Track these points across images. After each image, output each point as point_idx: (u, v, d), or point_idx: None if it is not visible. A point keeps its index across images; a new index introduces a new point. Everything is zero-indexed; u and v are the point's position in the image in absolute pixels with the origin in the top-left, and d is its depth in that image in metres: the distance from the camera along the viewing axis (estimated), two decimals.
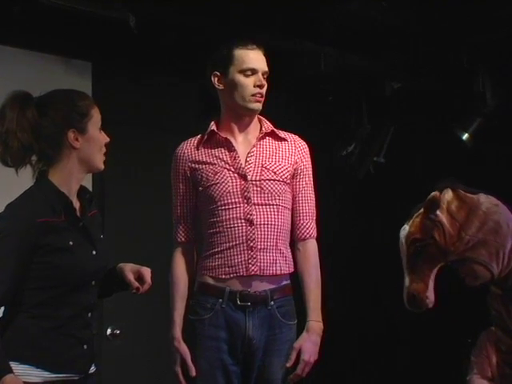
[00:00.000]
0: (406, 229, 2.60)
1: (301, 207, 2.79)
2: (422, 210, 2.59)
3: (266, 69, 2.74)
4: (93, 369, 2.34)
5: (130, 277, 2.41)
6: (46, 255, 2.21)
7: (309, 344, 2.68)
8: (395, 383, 4.99)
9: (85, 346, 2.28)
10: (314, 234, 2.80)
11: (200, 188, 2.72)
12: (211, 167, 2.71)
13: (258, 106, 2.72)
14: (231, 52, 2.71)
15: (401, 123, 4.90)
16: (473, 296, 3.65)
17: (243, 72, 2.70)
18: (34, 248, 2.19)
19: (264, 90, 2.72)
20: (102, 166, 2.36)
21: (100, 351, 4.01)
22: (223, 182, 2.69)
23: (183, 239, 2.78)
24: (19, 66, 3.94)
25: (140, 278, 2.41)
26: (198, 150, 2.76)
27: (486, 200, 2.60)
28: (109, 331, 4.12)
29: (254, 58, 2.71)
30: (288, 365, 2.67)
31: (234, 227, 2.66)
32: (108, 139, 2.38)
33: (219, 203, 2.68)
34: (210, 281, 2.67)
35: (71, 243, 2.24)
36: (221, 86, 2.74)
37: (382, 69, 4.64)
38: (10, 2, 3.59)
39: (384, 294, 4.86)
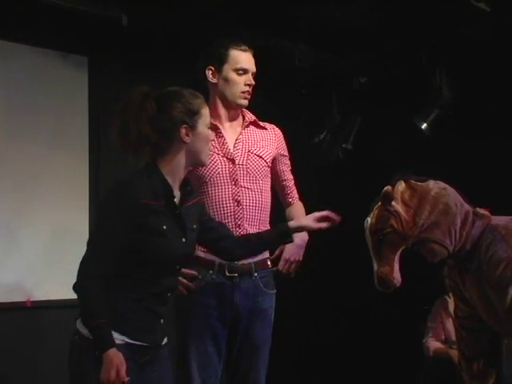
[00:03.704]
0: (368, 221, 2.63)
1: (287, 181, 2.96)
2: (379, 203, 2.62)
3: (255, 70, 2.84)
4: (165, 341, 2.39)
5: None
6: (140, 234, 2.23)
7: (291, 246, 2.78)
8: (362, 344, 5.10)
9: (161, 321, 2.33)
10: (298, 196, 3.01)
11: (190, 168, 2.78)
12: None
13: (246, 102, 2.82)
14: (227, 51, 2.79)
15: (367, 113, 4.94)
16: (428, 271, 3.77)
17: (236, 71, 2.79)
18: (133, 226, 2.22)
19: (251, 89, 2.82)
20: (207, 161, 2.43)
21: None
22: (213, 164, 2.74)
23: None
24: (21, 60, 4.01)
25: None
26: None
27: (434, 185, 2.63)
28: None
29: (247, 60, 2.81)
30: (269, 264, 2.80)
31: (224, 206, 2.74)
32: (213, 137, 2.46)
33: (209, 183, 2.75)
34: (201, 254, 2.71)
35: (165, 227, 2.26)
36: (214, 80, 2.81)
37: (350, 65, 4.71)
38: (13, 1, 3.65)
39: (350, 271, 4.89)
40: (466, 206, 2.65)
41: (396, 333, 4.88)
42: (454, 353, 4.02)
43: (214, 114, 2.79)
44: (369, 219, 2.63)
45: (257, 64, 2.89)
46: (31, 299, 3.94)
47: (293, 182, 2.99)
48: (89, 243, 2.26)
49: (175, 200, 2.32)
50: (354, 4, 3.96)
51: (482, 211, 2.66)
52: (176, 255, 2.31)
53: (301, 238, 2.80)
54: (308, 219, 2.55)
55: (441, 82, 4.49)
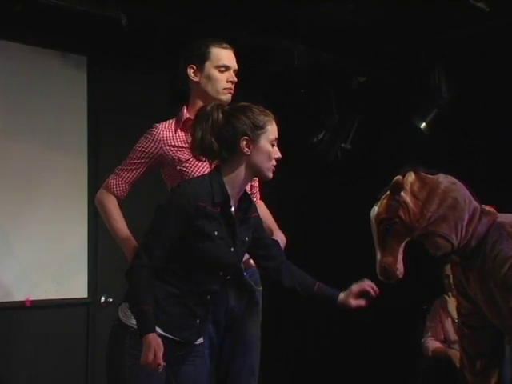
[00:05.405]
0: (375, 210, 2.63)
1: (255, 181, 2.92)
2: (388, 192, 2.62)
3: (236, 67, 2.83)
4: (200, 340, 2.45)
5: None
6: (192, 234, 2.32)
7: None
8: (360, 343, 5.08)
9: (197, 321, 2.40)
10: (259, 196, 3.01)
11: (178, 167, 2.74)
12: (186, 151, 2.73)
13: (229, 97, 2.79)
14: (208, 49, 2.79)
15: (366, 113, 4.97)
16: (428, 270, 3.75)
17: (218, 68, 2.78)
18: (187, 225, 2.30)
19: (233, 86, 2.81)
20: (269, 175, 2.43)
21: (94, 318, 4.11)
22: (195, 162, 2.70)
23: (118, 193, 2.79)
24: (20, 60, 3.99)
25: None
26: (175, 134, 2.77)
27: (444, 179, 2.64)
28: (102, 299, 4.14)
29: (228, 57, 2.81)
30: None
31: None
32: (279, 155, 2.43)
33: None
34: None
35: (216, 233, 2.33)
36: (196, 78, 2.79)
37: (349, 64, 4.71)
38: (11, 0, 3.63)
39: (350, 269, 4.81)
40: (475, 203, 2.65)
41: (395, 332, 4.88)
42: (453, 352, 4.09)
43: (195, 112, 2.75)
44: (376, 208, 2.63)
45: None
46: (30, 298, 3.93)
47: (257, 181, 2.98)
48: (145, 235, 2.34)
49: (231, 210, 2.38)
50: (353, 4, 3.95)
51: (488, 208, 2.66)
52: (221, 262, 2.38)
53: (280, 239, 2.80)
54: (350, 297, 2.58)
55: (440, 82, 4.52)
